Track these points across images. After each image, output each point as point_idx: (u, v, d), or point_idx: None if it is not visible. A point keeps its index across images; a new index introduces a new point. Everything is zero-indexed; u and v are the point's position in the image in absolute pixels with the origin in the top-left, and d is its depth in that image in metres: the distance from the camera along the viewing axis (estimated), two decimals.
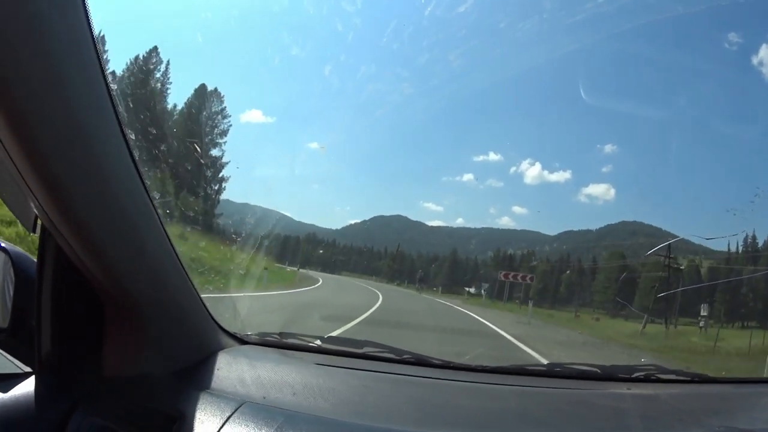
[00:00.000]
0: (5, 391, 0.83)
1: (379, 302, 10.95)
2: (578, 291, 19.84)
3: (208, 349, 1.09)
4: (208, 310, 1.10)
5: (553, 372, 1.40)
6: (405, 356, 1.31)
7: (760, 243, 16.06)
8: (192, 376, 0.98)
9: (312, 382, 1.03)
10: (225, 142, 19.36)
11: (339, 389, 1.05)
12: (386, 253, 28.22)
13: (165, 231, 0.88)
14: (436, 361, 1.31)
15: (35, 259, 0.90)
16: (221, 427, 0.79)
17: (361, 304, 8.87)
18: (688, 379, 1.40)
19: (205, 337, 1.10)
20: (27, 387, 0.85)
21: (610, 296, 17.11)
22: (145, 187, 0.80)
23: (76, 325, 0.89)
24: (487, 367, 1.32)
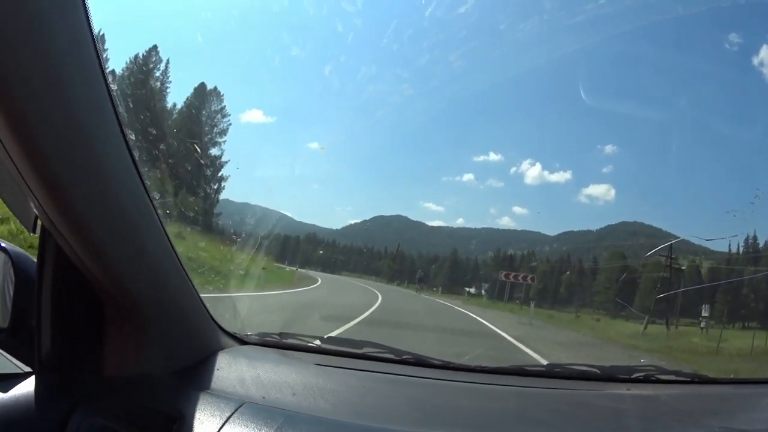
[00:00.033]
0: (5, 391, 0.83)
1: (378, 303, 10.84)
2: (578, 291, 19.82)
3: (208, 350, 1.09)
4: (208, 311, 1.10)
5: (552, 372, 1.40)
6: (404, 356, 1.31)
7: (761, 243, 16.06)
8: (192, 376, 0.98)
9: (312, 382, 1.03)
10: (224, 141, 19.38)
11: (339, 389, 1.05)
12: (386, 253, 28.22)
13: (165, 231, 0.88)
14: (436, 362, 1.31)
15: (35, 259, 0.90)
16: (221, 427, 0.79)
17: (360, 305, 8.75)
18: (688, 379, 1.40)
19: (205, 337, 1.10)
20: (27, 387, 0.85)
21: (610, 297, 17.09)
22: (145, 187, 0.80)
23: (76, 325, 0.89)
24: (487, 368, 1.32)
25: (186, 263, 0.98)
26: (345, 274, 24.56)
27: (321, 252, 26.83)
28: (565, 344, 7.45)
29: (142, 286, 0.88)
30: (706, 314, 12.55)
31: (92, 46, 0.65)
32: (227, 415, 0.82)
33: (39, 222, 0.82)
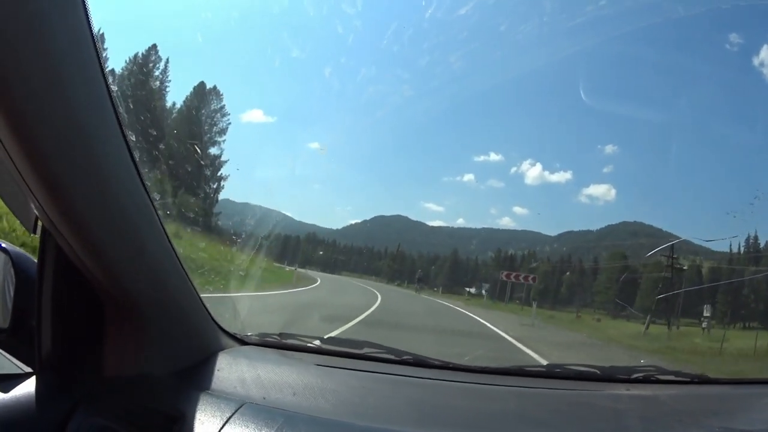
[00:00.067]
0: (6, 391, 0.83)
1: (377, 303, 10.75)
2: (579, 292, 19.81)
3: (208, 350, 1.09)
4: (208, 311, 1.10)
5: (552, 373, 1.40)
6: (404, 357, 1.32)
7: (762, 244, 16.04)
8: (192, 377, 0.98)
9: (312, 382, 1.03)
10: (224, 141, 19.38)
11: (339, 390, 1.05)
12: (386, 253, 28.22)
13: (165, 231, 0.88)
14: (436, 362, 1.31)
15: (35, 259, 0.90)
16: (222, 428, 0.79)
17: (358, 306, 8.64)
18: (687, 380, 1.40)
19: (205, 337, 1.11)
20: (27, 387, 0.85)
21: (611, 297, 17.07)
22: (145, 187, 0.81)
23: (77, 325, 0.89)
24: (487, 368, 1.32)
25: (186, 263, 0.98)
26: (345, 274, 24.56)
27: (321, 252, 26.83)
28: (569, 346, 7.36)
29: (142, 286, 0.88)
30: (708, 314, 12.51)
31: (92, 46, 0.65)
32: (228, 415, 0.82)
33: (39, 222, 0.82)
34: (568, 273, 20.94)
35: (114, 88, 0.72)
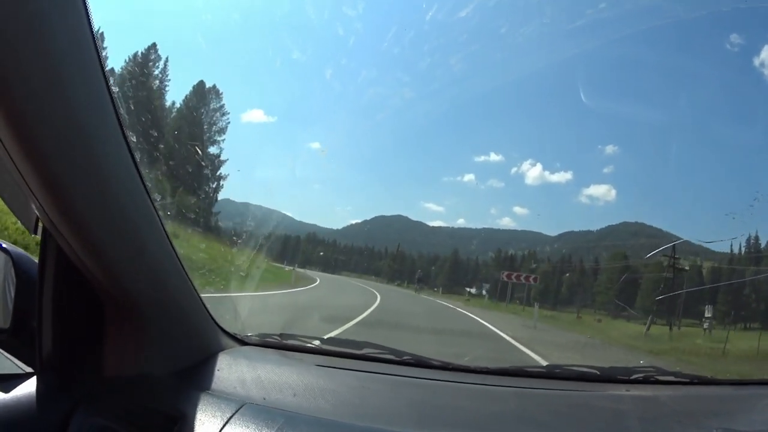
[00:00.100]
0: (7, 391, 0.83)
1: (376, 304, 10.63)
2: (580, 292, 19.79)
3: (209, 350, 1.10)
4: (208, 311, 1.10)
5: (552, 373, 1.40)
6: (405, 357, 1.32)
7: (763, 244, 16.03)
8: (192, 377, 0.98)
9: (312, 383, 1.03)
10: (223, 140, 19.38)
11: (339, 390, 1.05)
12: (387, 253, 28.25)
13: (165, 231, 0.89)
14: (436, 363, 1.31)
15: (36, 260, 0.90)
16: (222, 428, 0.79)
17: (356, 306, 8.50)
18: (687, 380, 1.40)
19: (206, 337, 1.11)
20: (28, 387, 0.85)
21: (611, 297, 17.06)
22: (145, 187, 0.81)
23: (77, 326, 0.89)
24: (487, 369, 1.32)
25: (186, 263, 0.98)
26: (345, 274, 24.56)
27: (321, 253, 26.83)
28: (574, 348, 7.23)
29: (142, 286, 0.88)
30: (709, 315, 12.48)
31: (92, 46, 0.65)
32: (228, 415, 0.82)
33: (40, 223, 0.83)
34: (568, 273, 20.93)
35: (115, 89, 0.72)
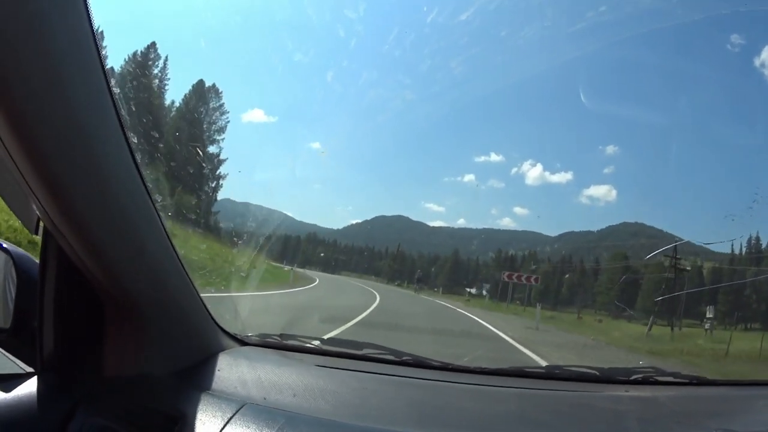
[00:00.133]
0: (7, 391, 0.83)
1: (375, 304, 10.50)
2: (580, 292, 19.77)
3: (209, 350, 1.10)
4: (208, 311, 1.10)
5: (552, 374, 1.40)
6: (405, 358, 1.32)
7: (764, 245, 16.02)
8: (193, 377, 0.98)
9: (312, 383, 1.03)
10: (223, 139, 19.37)
11: (339, 391, 1.05)
12: (387, 253, 28.25)
13: (166, 231, 0.89)
14: (436, 363, 1.31)
15: (37, 260, 0.91)
16: (223, 428, 0.79)
17: (354, 307, 8.37)
18: (686, 381, 1.40)
19: (206, 337, 1.11)
20: (29, 387, 0.85)
21: (612, 298, 17.03)
22: (145, 188, 0.81)
23: (78, 326, 0.89)
24: (487, 369, 1.32)
25: (186, 263, 0.98)
26: (345, 274, 24.54)
27: (322, 254, 26.82)
28: (577, 350, 7.13)
29: (142, 286, 0.89)
30: (711, 315, 12.45)
31: (93, 45, 0.65)
32: (229, 415, 0.82)
33: (41, 223, 0.83)
34: (568, 274, 20.92)
35: (116, 90, 0.72)
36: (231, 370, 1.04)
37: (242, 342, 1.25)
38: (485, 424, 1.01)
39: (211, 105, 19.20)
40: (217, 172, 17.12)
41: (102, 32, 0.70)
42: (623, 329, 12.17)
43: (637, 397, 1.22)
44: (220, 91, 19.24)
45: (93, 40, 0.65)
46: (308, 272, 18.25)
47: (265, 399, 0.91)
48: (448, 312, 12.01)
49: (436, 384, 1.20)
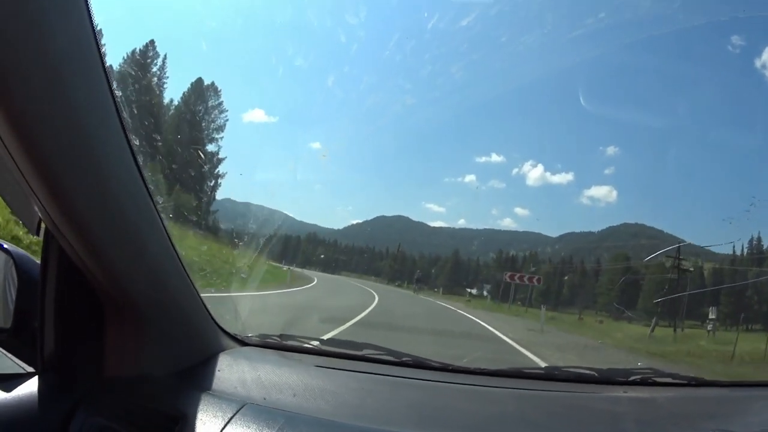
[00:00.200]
0: (8, 391, 0.83)
1: (373, 305, 10.34)
2: (581, 293, 19.72)
3: (209, 351, 1.10)
4: (208, 312, 1.10)
5: (550, 375, 1.40)
6: (404, 359, 1.32)
7: (765, 246, 15.99)
8: (193, 377, 0.99)
9: (312, 383, 1.03)
10: (222, 138, 19.37)
11: (339, 391, 1.05)
12: (387, 253, 28.22)
13: (167, 232, 0.89)
14: (435, 364, 1.31)
15: (37, 261, 0.91)
16: (223, 428, 0.79)
17: (352, 308, 8.22)
18: (684, 382, 1.40)
19: (206, 338, 1.11)
20: (29, 387, 0.85)
21: (613, 298, 16.99)
22: (146, 188, 0.81)
23: (78, 326, 0.90)
24: (486, 370, 1.32)
25: (186, 264, 0.99)
26: (345, 275, 24.49)
27: (322, 255, 26.79)
28: (583, 352, 6.98)
29: (142, 287, 0.89)
30: (713, 316, 12.39)
31: (93, 45, 0.65)
32: (229, 416, 0.82)
33: (42, 224, 0.83)
34: (569, 274, 20.88)
35: (118, 93, 0.72)
36: (231, 370, 1.05)
37: (242, 342, 1.26)
38: (484, 425, 1.01)
39: (210, 103, 19.20)
40: (216, 171, 17.12)
41: (101, 30, 0.70)
42: (624, 330, 12.10)
43: (635, 398, 1.22)
44: (219, 89, 19.25)
45: (94, 39, 0.65)
46: (307, 272, 18.11)
47: (265, 399, 0.91)
48: (447, 313, 11.83)
49: (436, 385, 1.20)
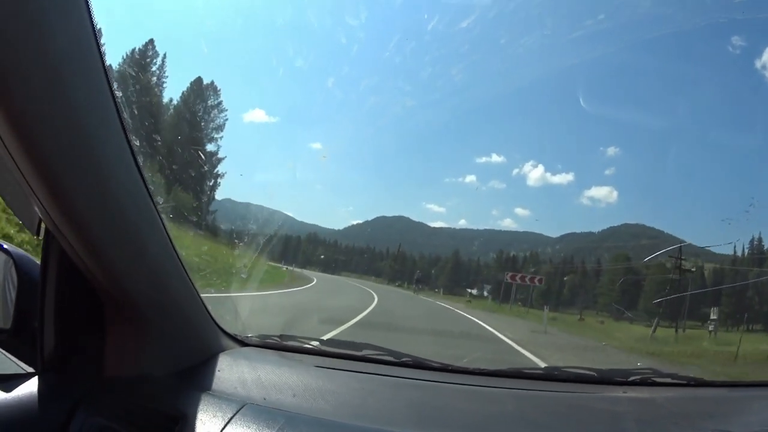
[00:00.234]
0: (8, 391, 0.83)
1: (372, 306, 10.19)
2: (582, 294, 19.69)
3: (209, 351, 1.10)
4: (209, 312, 1.10)
5: (550, 375, 1.41)
6: (404, 359, 1.32)
7: (766, 246, 15.99)
8: (193, 377, 0.99)
9: (312, 384, 1.03)
10: (221, 137, 19.36)
11: (339, 391, 1.05)
12: (388, 253, 28.19)
13: (166, 232, 0.89)
14: (435, 364, 1.32)
15: (37, 261, 0.91)
16: (223, 428, 0.79)
17: (350, 309, 8.06)
18: (684, 382, 1.40)
19: (206, 338, 1.11)
20: (29, 387, 0.85)
21: (614, 299, 16.98)
22: (146, 188, 0.81)
23: (78, 326, 0.90)
24: (485, 370, 1.32)
25: (187, 264, 0.99)
26: (345, 275, 24.45)
27: (322, 255, 26.77)
28: (591, 356, 6.67)
29: (142, 287, 0.89)
30: (715, 317, 12.37)
31: (93, 45, 0.65)
32: (229, 416, 0.82)
33: (43, 225, 0.83)
34: (570, 275, 20.84)
35: (119, 94, 0.72)
36: (231, 370, 1.05)
37: (242, 343, 1.26)
38: (484, 425, 1.01)
39: (209, 102, 19.19)
40: (216, 171, 17.09)
41: (100, 30, 0.71)
42: (626, 331, 12.08)
43: (634, 398, 1.22)
44: (218, 88, 19.23)
45: (94, 39, 0.65)
46: (306, 272, 18.00)
47: (265, 399, 0.91)
48: (448, 314, 11.69)
49: (435, 385, 1.20)
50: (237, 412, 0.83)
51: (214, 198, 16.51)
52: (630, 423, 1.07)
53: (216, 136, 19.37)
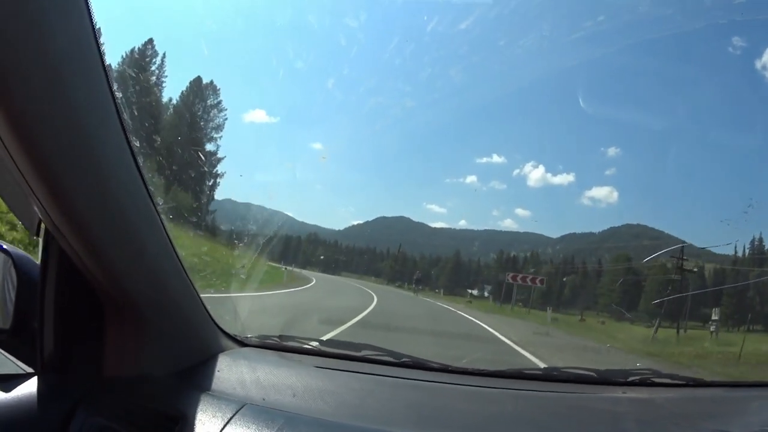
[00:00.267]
0: (7, 391, 0.83)
1: (371, 307, 10.06)
2: (582, 294, 19.67)
3: (209, 351, 1.10)
4: (208, 312, 1.10)
5: (549, 376, 1.41)
6: (403, 359, 1.32)
7: (766, 247, 15.97)
8: (193, 378, 0.99)
9: (311, 384, 1.03)
10: (220, 137, 19.34)
11: (339, 392, 1.05)
12: (388, 254, 28.21)
13: (166, 232, 0.89)
14: (434, 365, 1.32)
15: (36, 261, 0.91)
16: (223, 428, 0.79)
17: (349, 309, 7.93)
18: (683, 382, 1.40)
19: (206, 338, 1.11)
20: (29, 387, 0.85)
21: (615, 299, 16.96)
22: (146, 188, 0.81)
23: (78, 326, 0.90)
24: (485, 371, 1.32)
25: (186, 265, 0.99)
26: (345, 275, 24.43)
27: (322, 256, 26.76)
28: (596, 359, 6.49)
29: (142, 287, 0.89)
30: (716, 318, 12.34)
31: (93, 45, 0.65)
32: (229, 416, 0.82)
33: (42, 225, 0.84)
34: (570, 275, 20.83)
35: (119, 94, 0.72)
36: (231, 370, 1.05)
37: (242, 343, 1.26)
38: (483, 426, 1.01)
39: (209, 102, 19.17)
40: (215, 171, 17.06)
41: (100, 29, 0.71)
42: (627, 331, 12.05)
43: (634, 398, 1.22)
44: (217, 87, 19.20)
45: (94, 39, 0.65)
46: (306, 273, 17.89)
47: (264, 399, 0.91)
48: (448, 315, 11.55)
49: (435, 385, 1.20)
50: (236, 412, 0.83)
51: (213, 198, 16.52)
52: (630, 423, 1.07)
53: (215, 135, 19.40)
